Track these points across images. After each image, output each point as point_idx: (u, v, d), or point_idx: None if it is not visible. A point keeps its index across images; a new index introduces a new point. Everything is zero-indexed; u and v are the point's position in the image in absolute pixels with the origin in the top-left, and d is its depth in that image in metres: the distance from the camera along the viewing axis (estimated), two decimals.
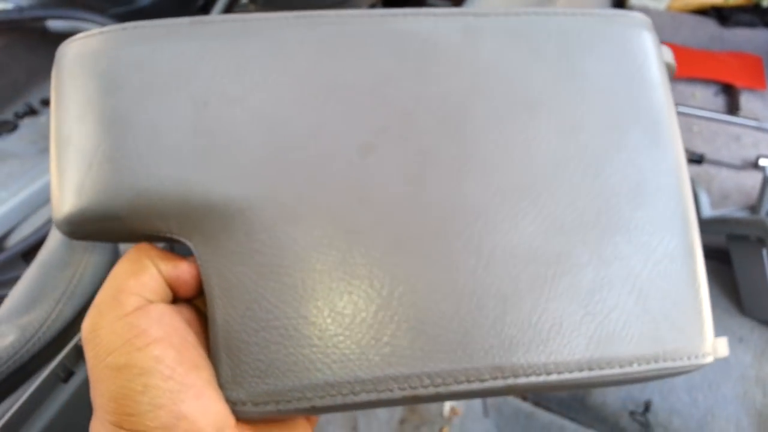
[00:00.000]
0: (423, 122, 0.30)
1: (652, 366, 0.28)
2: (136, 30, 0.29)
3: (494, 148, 0.30)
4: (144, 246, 0.29)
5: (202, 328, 0.29)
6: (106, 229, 0.28)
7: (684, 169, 0.31)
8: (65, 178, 0.28)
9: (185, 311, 0.29)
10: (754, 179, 1.13)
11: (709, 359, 0.29)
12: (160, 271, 0.28)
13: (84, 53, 0.29)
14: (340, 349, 0.27)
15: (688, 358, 0.29)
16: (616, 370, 0.28)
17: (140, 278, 0.27)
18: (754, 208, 0.94)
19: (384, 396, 0.26)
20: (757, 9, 1.34)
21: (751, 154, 1.18)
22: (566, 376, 0.28)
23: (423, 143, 0.30)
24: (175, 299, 0.29)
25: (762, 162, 1.14)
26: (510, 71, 0.31)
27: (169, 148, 0.28)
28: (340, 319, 0.27)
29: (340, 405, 0.26)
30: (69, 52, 0.29)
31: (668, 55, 0.36)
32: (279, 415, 0.27)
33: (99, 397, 0.25)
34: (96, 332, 0.25)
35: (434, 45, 0.31)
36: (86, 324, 0.26)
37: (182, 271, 0.28)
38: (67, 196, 0.27)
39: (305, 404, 0.26)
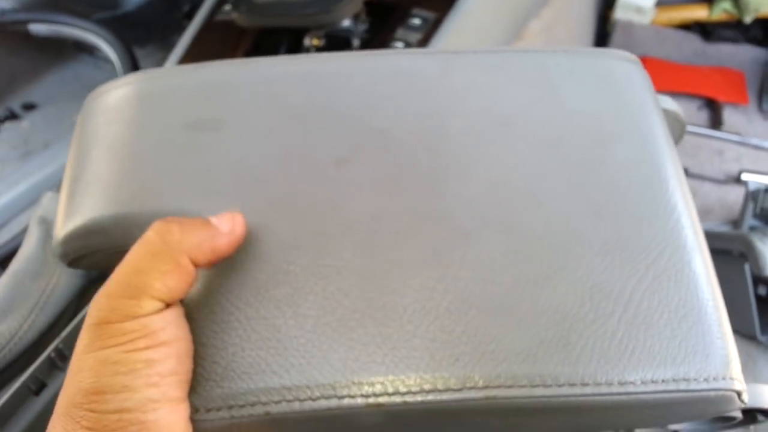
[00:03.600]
0: (399, 139, 0.31)
1: (661, 387, 0.25)
2: (149, 72, 0.34)
3: (469, 160, 0.30)
4: (172, 228, 0.25)
5: None
6: (91, 247, 0.29)
7: (683, 182, 0.30)
8: (67, 203, 0.30)
9: None
10: (736, 193, 1.14)
11: (738, 386, 0.25)
12: (195, 262, 0.25)
13: (101, 95, 0.33)
14: (300, 353, 0.26)
15: (706, 381, 0.25)
16: (615, 389, 0.25)
17: (167, 281, 0.24)
18: (736, 223, 0.95)
19: (345, 403, 0.25)
20: (739, 25, 1.36)
21: (733, 169, 1.19)
22: (554, 390, 0.25)
23: (398, 157, 0.30)
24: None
25: (744, 176, 1.15)
26: (486, 93, 0.32)
27: (154, 168, 0.30)
28: (302, 321, 0.26)
29: (298, 412, 0.25)
30: (92, 97, 0.33)
31: (670, 104, 0.36)
32: (233, 425, 0.25)
33: (71, 386, 0.23)
34: (102, 327, 0.23)
35: (412, 75, 0.33)
36: (95, 314, 0.23)
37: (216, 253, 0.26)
38: (67, 216, 0.29)
39: (259, 410, 0.25)
